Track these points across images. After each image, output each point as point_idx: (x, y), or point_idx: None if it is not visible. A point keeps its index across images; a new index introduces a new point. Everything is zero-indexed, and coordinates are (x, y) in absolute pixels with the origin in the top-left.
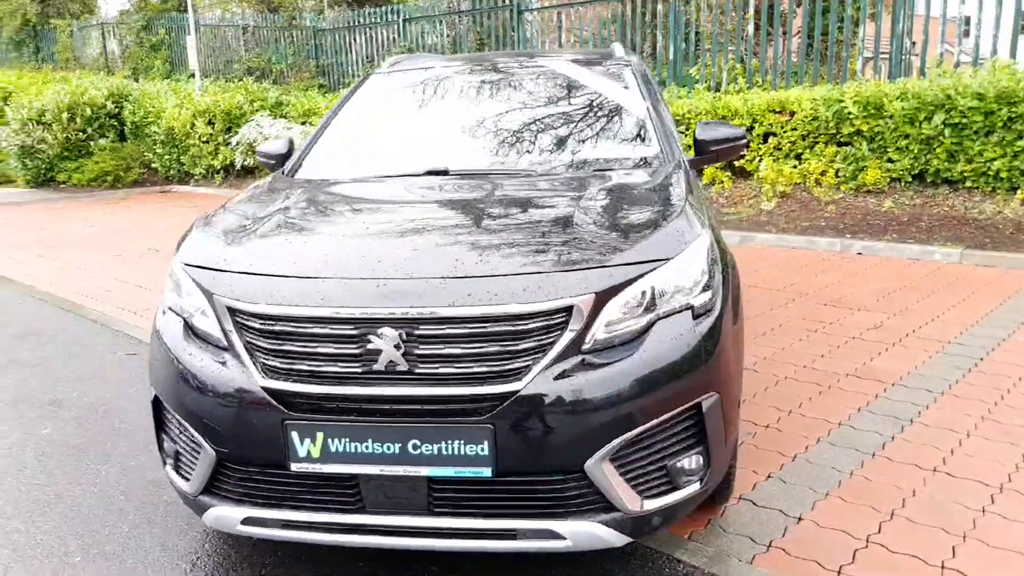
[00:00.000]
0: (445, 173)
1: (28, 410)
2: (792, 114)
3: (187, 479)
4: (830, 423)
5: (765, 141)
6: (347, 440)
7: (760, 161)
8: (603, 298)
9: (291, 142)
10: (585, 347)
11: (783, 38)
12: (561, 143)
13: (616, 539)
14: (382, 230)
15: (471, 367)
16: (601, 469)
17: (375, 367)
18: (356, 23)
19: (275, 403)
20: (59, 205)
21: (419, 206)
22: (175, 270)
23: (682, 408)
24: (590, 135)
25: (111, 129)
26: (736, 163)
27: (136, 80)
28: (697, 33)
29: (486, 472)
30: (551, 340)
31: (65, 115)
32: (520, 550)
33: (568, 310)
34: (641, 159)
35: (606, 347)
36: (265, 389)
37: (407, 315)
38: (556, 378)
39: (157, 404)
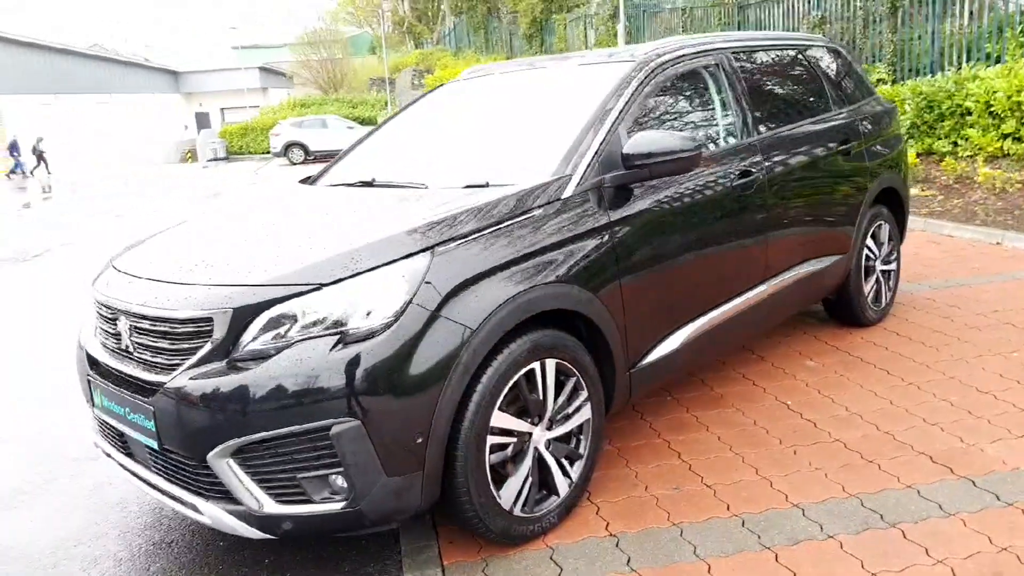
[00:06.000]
0: (371, 184)
1: None
2: None
3: None
4: (787, 502)
5: None
6: (106, 398)
7: None
8: (245, 313)
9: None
10: (236, 355)
11: None
12: (473, 157)
13: (246, 530)
14: (204, 236)
15: (153, 357)
16: (221, 464)
17: (122, 345)
18: None
19: (85, 359)
20: None
21: (273, 215)
22: None
23: (306, 427)
24: (502, 150)
25: None
26: None
27: None
28: None
29: (154, 444)
30: (199, 345)
31: None
32: (190, 516)
33: (209, 320)
34: (521, 177)
35: (252, 358)
36: (83, 346)
37: (125, 308)
38: (193, 378)
39: None
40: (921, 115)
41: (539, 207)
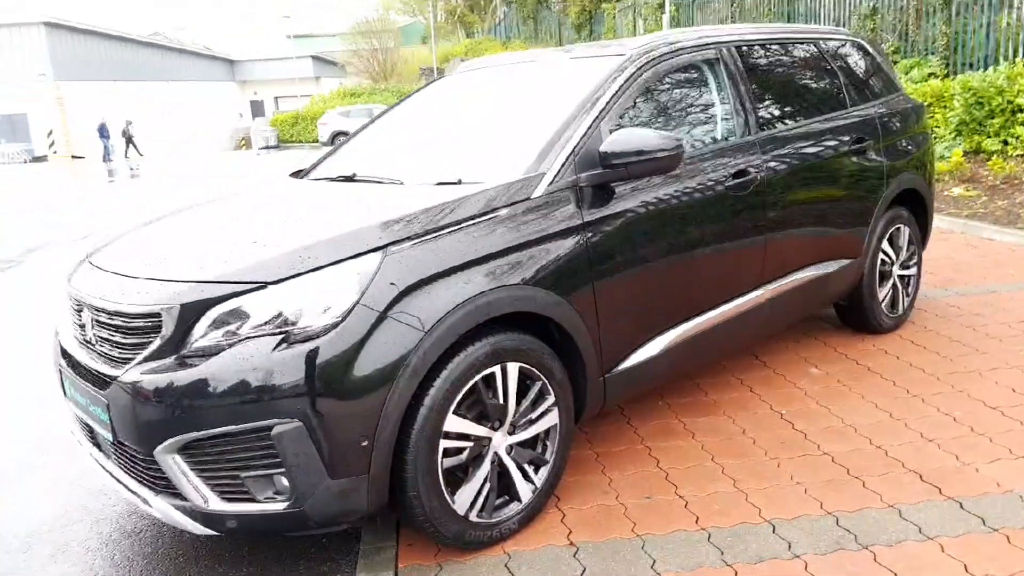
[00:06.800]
0: (352, 179)
1: None
2: None
3: None
4: (759, 517)
5: None
6: (72, 388)
7: None
8: (192, 310)
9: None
10: (186, 351)
11: None
12: (454, 152)
13: (192, 526)
14: (174, 230)
15: (110, 350)
16: (168, 459)
17: (86, 337)
18: None
19: (59, 350)
20: None
21: (248, 209)
22: None
23: (248, 426)
24: (481, 146)
25: None
26: None
27: None
28: None
29: (109, 436)
30: (150, 340)
31: None
32: (142, 509)
33: (159, 316)
34: (494, 175)
35: (200, 354)
36: (58, 336)
37: (87, 300)
38: (144, 372)
39: None
40: (970, 111)
41: (506, 206)
